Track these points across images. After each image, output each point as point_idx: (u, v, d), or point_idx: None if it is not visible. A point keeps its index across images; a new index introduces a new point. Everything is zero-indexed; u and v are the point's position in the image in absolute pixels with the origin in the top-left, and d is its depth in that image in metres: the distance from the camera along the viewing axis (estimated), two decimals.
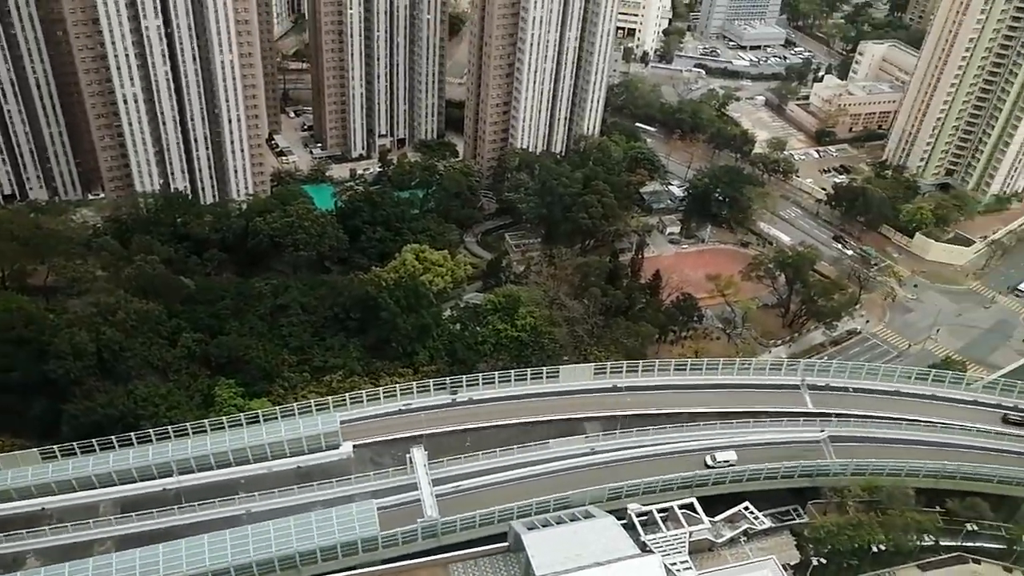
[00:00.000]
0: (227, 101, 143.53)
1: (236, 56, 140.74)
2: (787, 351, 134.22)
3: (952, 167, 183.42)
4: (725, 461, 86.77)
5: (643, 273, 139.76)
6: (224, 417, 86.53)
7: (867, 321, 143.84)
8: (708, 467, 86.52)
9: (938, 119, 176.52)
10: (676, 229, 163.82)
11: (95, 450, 79.12)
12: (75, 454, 78.99)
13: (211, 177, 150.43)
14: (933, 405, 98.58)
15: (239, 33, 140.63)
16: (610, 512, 77.16)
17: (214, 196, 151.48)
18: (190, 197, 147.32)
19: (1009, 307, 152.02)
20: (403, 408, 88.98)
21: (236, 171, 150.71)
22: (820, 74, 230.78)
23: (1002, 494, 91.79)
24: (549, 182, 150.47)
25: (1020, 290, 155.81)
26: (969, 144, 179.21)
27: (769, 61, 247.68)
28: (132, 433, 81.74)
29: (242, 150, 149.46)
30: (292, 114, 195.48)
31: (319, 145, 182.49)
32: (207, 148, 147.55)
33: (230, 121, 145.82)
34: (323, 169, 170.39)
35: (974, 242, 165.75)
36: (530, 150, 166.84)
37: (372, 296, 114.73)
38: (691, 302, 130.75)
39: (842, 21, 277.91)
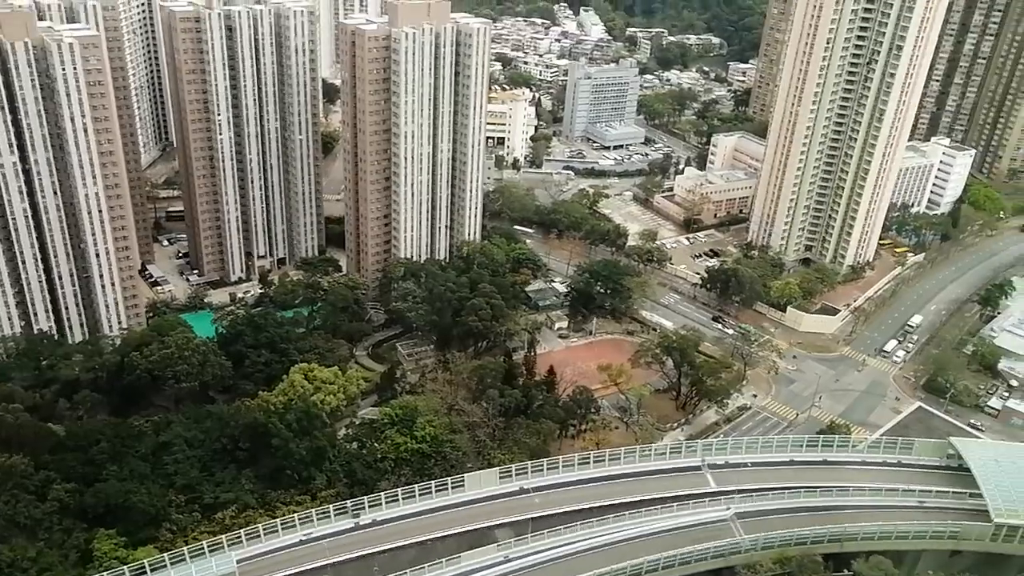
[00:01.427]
0: (93, 235, 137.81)
1: (101, 188, 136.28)
2: (684, 433, 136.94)
3: (810, 243, 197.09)
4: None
5: (537, 370, 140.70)
6: (105, 573, 79.21)
7: (755, 396, 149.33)
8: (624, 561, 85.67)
9: (791, 201, 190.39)
10: (564, 324, 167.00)
11: None
12: None
13: (79, 314, 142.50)
14: (826, 470, 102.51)
15: (103, 165, 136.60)
16: None
17: (84, 333, 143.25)
18: (56, 337, 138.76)
19: (879, 368, 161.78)
20: (304, 538, 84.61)
21: (107, 306, 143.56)
22: (680, 167, 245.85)
23: (901, 549, 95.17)
24: (436, 288, 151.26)
25: (886, 351, 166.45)
26: (821, 221, 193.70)
27: (632, 159, 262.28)
28: None
29: (112, 283, 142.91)
30: (166, 242, 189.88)
31: (196, 272, 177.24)
32: (73, 285, 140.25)
33: (98, 255, 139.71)
34: (201, 296, 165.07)
35: (839, 311, 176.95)
36: (414, 259, 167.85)
37: (261, 423, 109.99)
38: (587, 395, 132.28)
39: (693, 117, 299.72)
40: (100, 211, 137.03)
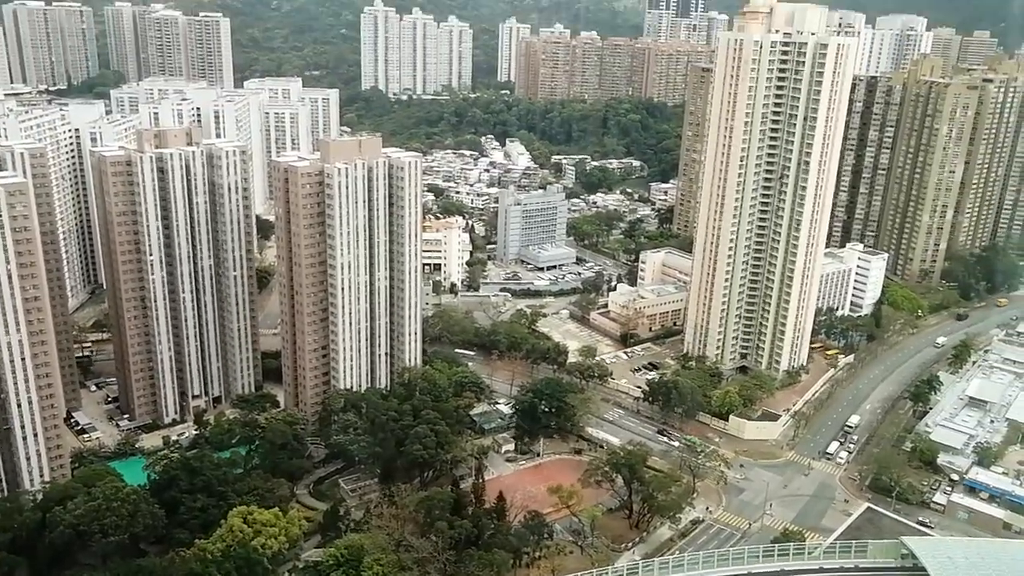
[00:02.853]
0: (15, 385, 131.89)
1: (25, 336, 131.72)
2: (639, 552, 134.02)
3: (744, 351, 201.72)
4: None
5: (487, 497, 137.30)
6: None
7: (707, 508, 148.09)
8: None
9: (721, 311, 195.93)
10: (511, 447, 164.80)
11: None
12: None
13: None
14: None
15: (28, 311, 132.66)
16: None
17: (2, 490, 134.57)
18: None
19: (825, 471, 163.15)
20: None
21: (28, 458, 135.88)
22: (613, 284, 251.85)
23: None
24: (378, 418, 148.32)
25: (829, 453, 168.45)
26: (753, 329, 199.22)
27: (566, 278, 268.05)
28: None
29: (35, 434, 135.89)
30: (94, 387, 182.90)
31: (126, 416, 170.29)
32: None
33: (19, 406, 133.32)
34: (132, 441, 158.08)
35: (780, 416, 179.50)
36: (354, 389, 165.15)
37: (197, 574, 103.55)
38: (539, 520, 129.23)
39: (621, 236, 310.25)
40: (23, 359, 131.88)
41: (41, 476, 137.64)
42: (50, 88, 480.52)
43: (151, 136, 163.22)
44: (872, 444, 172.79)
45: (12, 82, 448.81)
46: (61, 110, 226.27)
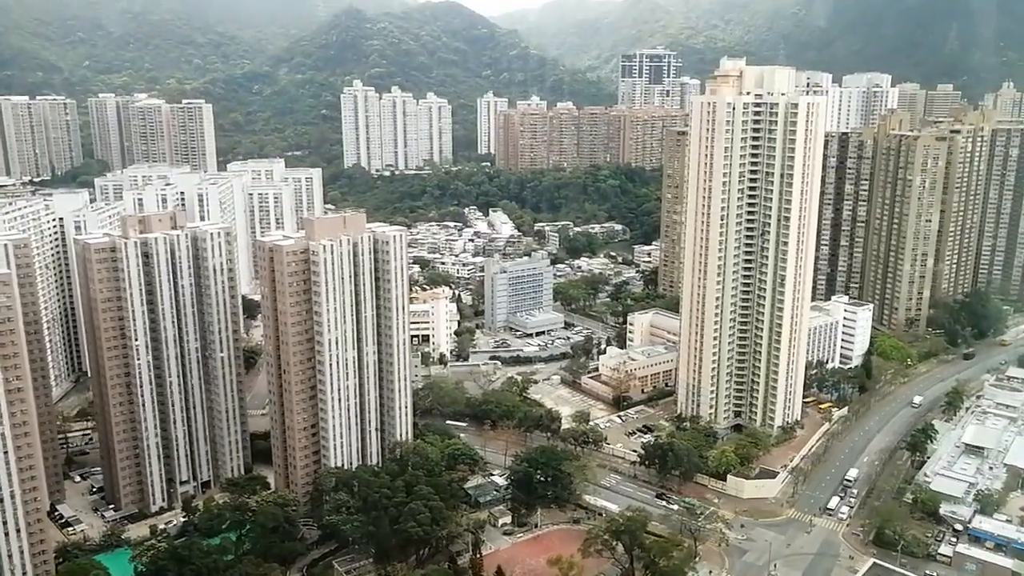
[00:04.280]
0: None
1: (8, 428, 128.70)
2: None
3: (738, 409, 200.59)
4: None
5: (485, 573, 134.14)
6: None
7: (711, 572, 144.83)
8: None
9: (712, 370, 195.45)
10: (508, 519, 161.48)
11: None
12: None
13: None
14: None
15: (11, 403, 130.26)
16: None
17: None
18: None
19: (827, 527, 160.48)
20: None
21: (11, 555, 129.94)
22: (602, 347, 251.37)
23: None
24: (371, 496, 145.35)
25: (830, 509, 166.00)
26: (745, 386, 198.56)
27: (555, 343, 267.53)
28: None
29: (17, 530, 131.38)
30: (78, 478, 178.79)
31: (111, 507, 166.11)
32: None
33: (1, 500, 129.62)
34: (118, 532, 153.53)
35: (778, 473, 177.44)
36: (345, 467, 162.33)
37: None
38: None
39: (608, 299, 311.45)
40: (6, 452, 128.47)
41: (24, 573, 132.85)
42: (34, 179, 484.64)
43: (135, 222, 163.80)
44: (873, 497, 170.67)
45: None
46: (45, 200, 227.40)
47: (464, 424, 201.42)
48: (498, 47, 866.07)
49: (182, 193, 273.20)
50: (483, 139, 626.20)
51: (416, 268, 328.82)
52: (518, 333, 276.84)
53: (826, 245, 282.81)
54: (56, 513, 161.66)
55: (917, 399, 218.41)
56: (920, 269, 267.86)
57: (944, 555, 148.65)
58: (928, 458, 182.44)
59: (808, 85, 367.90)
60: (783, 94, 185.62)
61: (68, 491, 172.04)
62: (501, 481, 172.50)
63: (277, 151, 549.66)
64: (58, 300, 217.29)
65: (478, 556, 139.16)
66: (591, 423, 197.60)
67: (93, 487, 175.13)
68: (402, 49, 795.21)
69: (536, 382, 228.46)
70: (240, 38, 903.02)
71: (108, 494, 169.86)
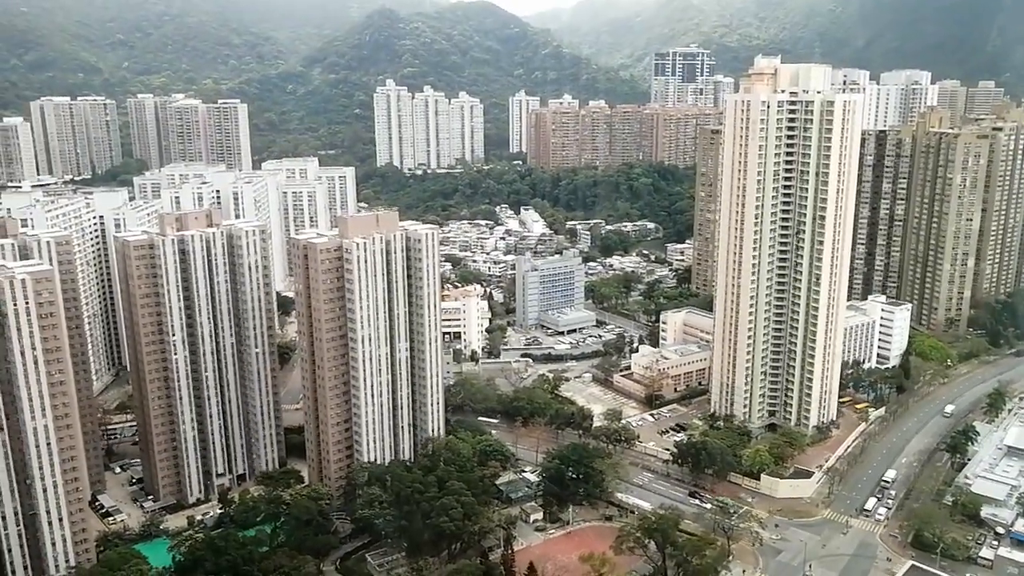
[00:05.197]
0: (41, 469, 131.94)
1: (51, 420, 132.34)
2: None
3: (772, 408, 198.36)
4: None
5: (517, 568, 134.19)
6: None
7: (744, 571, 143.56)
8: None
9: (746, 369, 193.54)
10: (539, 515, 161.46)
11: None
12: None
13: (23, 555, 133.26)
14: None
15: (53, 396, 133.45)
16: None
17: None
18: None
19: (864, 528, 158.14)
20: None
21: (54, 544, 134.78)
22: (635, 345, 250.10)
23: None
24: (403, 491, 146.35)
25: (867, 510, 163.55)
26: (779, 385, 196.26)
27: (587, 341, 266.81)
28: None
29: (60, 519, 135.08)
30: (118, 469, 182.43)
31: (150, 497, 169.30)
32: (18, 524, 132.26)
33: (45, 491, 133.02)
34: (157, 523, 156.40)
35: (813, 473, 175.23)
36: (378, 462, 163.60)
37: None
38: None
39: (640, 298, 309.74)
40: (49, 444, 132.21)
41: (67, 561, 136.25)
42: (75, 178, 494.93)
43: (172, 220, 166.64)
44: (911, 499, 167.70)
45: (39, 173, 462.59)
46: (86, 198, 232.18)
47: (495, 421, 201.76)
48: (530, 46, 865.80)
49: (218, 191, 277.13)
50: (515, 138, 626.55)
51: (448, 266, 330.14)
52: (549, 331, 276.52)
53: (862, 244, 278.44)
54: (97, 503, 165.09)
55: (949, 408, 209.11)
56: (961, 269, 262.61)
57: (985, 559, 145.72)
58: (969, 460, 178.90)
59: (845, 83, 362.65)
60: (819, 92, 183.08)
61: (109, 482, 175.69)
62: (533, 478, 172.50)
63: (311, 150, 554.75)
64: (99, 296, 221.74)
65: (510, 552, 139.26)
66: (623, 421, 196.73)
67: (133, 478, 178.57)
68: (434, 49, 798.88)
69: (568, 380, 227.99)
70: (275, 39, 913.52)
71: (147, 485, 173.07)
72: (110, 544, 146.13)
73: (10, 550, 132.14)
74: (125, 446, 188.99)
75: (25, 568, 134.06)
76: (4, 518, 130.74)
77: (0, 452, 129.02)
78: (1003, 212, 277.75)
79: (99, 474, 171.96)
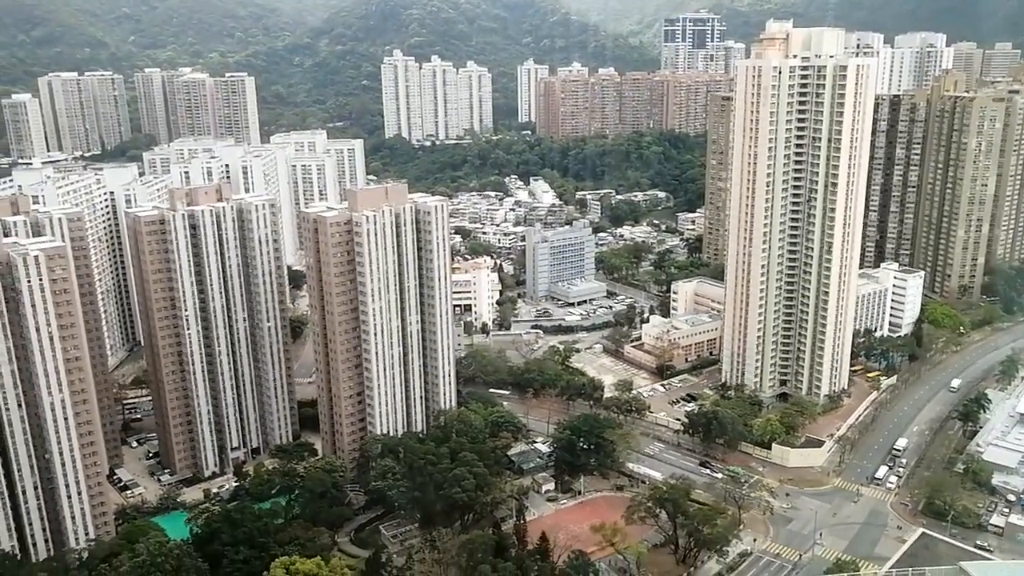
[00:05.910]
0: (59, 444, 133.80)
1: (68, 395, 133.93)
2: None
3: (783, 377, 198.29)
4: None
5: (529, 538, 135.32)
6: None
7: (755, 540, 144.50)
8: None
9: (758, 338, 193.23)
10: (551, 486, 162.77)
11: None
12: None
13: (44, 528, 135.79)
14: None
15: (69, 371, 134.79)
16: None
17: (48, 550, 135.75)
18: (19, 557, 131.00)
19: (875, 497, 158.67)
20: None
21: (74, 517, 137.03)
22: (645, 316, 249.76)
23: None
24: (416, 463, 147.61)
25: (878, 478, 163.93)
26: (791, 354, 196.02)
27: (597, 312, 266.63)
28: None
29: (79, 493, 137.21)
30: (135, 443, 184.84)
31: (167, 471, 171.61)
32: (37, 498, 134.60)
33: (64, 465, 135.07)
34: (174, 496, 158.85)
35: (824, 442, 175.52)
36: (391, 434, 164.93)
37: None
38: (583, 559, 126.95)
39: (651, 268, 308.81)
40: (66, 418, 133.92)
41: (86, 534, 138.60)
42: (85, 154, 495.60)
43: (182, 195, 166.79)
44: (922, 467, 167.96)
45: (49, 150, 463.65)
46: (96, 174, 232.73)
47: (507, 392, 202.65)
48: (538, 14, 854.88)
49: (227, 166, 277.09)
50: (524, 107, 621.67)
51: (458, 238, 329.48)
52: (560, 302, 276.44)
53: (875, 211, 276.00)
54: (115, 477, 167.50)
55: (955, 382, 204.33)
56: (975, 235, 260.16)
57: (996, 525, 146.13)
58: (980, 428, 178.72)
59: (858, 46, 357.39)
60: (831, 56, 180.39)
61: (126, 456, 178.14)
62: (544, 449, 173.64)
63: (319, 123, 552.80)
64: (111, 272, 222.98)
65: (522, 522, 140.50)
66: (634, 392, 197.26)
67: (149, 452, 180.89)
68: (441, 18, 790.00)
69: (578, 351, 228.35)
70: (281, 10, 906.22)
71: (163, 459, 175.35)
72: (128, 517, 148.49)
73: (31, 524, 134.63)
74: (141, 421, 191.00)
75: (46, 542, 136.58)
76: (24, 492, 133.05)
77: (19, 427, 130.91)
78: (1018, 177, 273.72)
79: (116, 448, 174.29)
